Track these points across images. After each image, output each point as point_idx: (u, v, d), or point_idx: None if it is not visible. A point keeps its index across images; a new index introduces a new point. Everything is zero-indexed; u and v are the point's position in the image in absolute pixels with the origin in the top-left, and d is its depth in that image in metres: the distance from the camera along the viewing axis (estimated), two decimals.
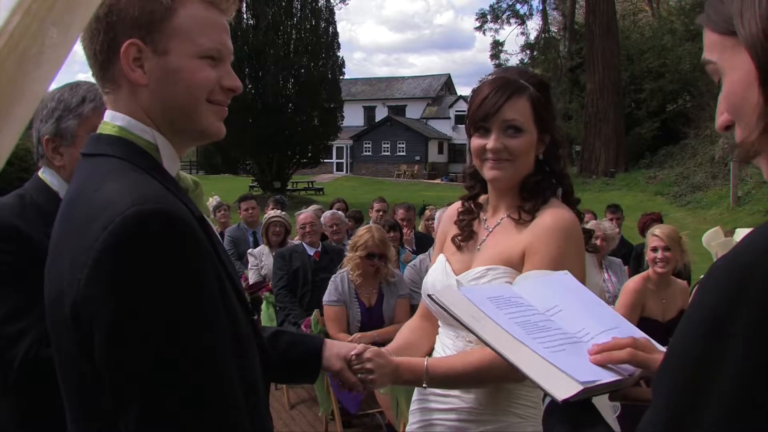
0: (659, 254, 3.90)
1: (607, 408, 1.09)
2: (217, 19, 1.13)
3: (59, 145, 1.69)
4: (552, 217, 1.59)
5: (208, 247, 1.02)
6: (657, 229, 4.10)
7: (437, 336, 1.77)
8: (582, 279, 1.53)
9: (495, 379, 1.55)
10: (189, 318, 0.95)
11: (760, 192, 17.51)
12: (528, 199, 1.64)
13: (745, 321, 0.65)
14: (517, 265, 1.57)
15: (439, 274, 1.73)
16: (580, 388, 0.99)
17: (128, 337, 0.92)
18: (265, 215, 6.32)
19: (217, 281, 1.02)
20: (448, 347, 1.68)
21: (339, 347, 1.54)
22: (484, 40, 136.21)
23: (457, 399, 1.64)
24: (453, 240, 1.75)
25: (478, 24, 40.37)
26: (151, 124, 1.10)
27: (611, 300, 4.72)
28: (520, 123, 1.59)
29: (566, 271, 1.39)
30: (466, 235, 1.73)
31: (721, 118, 0.82)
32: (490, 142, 1.59)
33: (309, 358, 1.52)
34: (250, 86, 26.03)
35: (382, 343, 1.85)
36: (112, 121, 1.10)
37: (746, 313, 0.66)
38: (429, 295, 1.32)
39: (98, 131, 1.12)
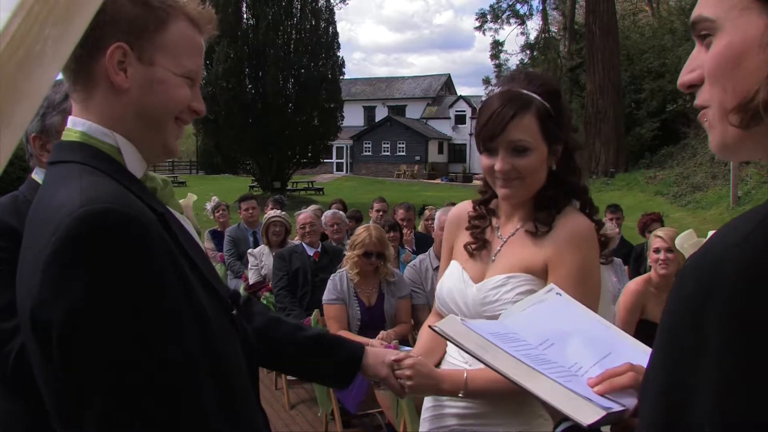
0: (662, 255, 3.90)
1: None
2: (199, 41, 1.16)
3: (46, 141, 1.73)
4: (571, 226, 1.58)
5: (167, 244, 1.01)
6: (660, 231, 4.11)
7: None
8: (599, 287, 1.56)
9: None
10: (139, 318, 0.93)
11: (760, 192, 17.49)
12: (542, 210, 1.62)
13: (718, 319, 0.64)
14: (540, 274, 1.57)
15: (456, 281, 1.70)
16: (604, 413, 0.98)
17: (77, 341, 0.91)
18: (265, 215, 6.33)
19: (179, 279, 1.00)
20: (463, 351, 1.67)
21: (383, 354, 1.57)
22: (483, 40, 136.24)
23: (478, 402, 1.62)
24: (465, 247, 1.72)
25: (477, 24, 40.25)
26: (117, 128, 1.10)
27: (611, 300, 4.72)
28: (527, 142, 1.54)
29: (551, 286, 1.35)
30: (480, 244, 1.70)
31: (691, 74, 0.78)
32: (498, 164, 1.56)
33: (350, 363, 1.55)
34: (250, 86, 26.05)
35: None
36: (73, 127, 1.11)
37: (718, 310, 0.64)
38: (431, 327, 1.30)
39: (62, 138, 1.12)
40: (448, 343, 1.76)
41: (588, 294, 1.49)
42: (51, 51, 0.49)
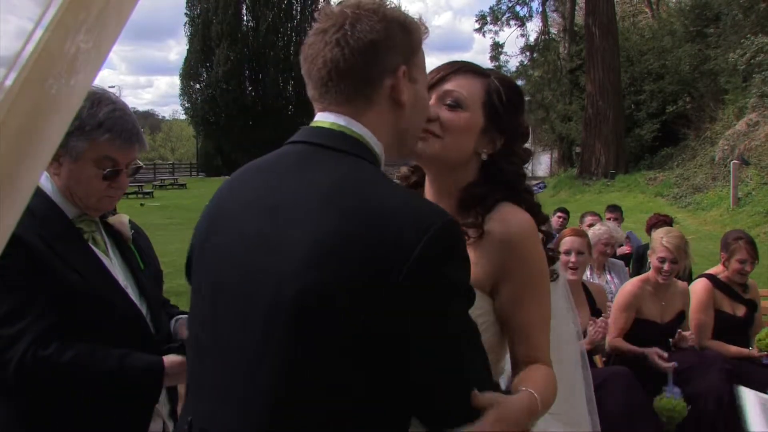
0: (666, 266, 3.87)
1: None
2: None
3: (61, 155, 1.65)
4: (507, 227, 1.38)
5: None
6: (665, 239, 3.96)
7: None
8: (549, 283, 1.44)
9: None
10: (470, 301, 1.13)
11: (761, 193, 17.49)
12: (466, 210, 1.43)
13: None
14: (484, 286, 1.37)
15: None
16: None
17: (454, 323, 1.07)
18: None
19: None
20: None
21: None
22: (482, 42, 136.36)
23: None
24: None
25: (477, 26, 40.25)
26: (382, 140, 1.18)
27: (611, 300, 4.73)
28: (460, 96, 1.41)
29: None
30: None
31: None
32: None
33: None
34: (250, 88, 26.10)
35: None
36: (348, 126, 1.15)
37: None
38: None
39: (328, 127, 1.15)
40: None
41: (543, 297, 1.40)
42: (83, 62, 0.49)
